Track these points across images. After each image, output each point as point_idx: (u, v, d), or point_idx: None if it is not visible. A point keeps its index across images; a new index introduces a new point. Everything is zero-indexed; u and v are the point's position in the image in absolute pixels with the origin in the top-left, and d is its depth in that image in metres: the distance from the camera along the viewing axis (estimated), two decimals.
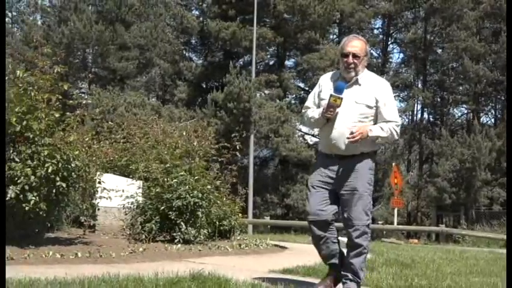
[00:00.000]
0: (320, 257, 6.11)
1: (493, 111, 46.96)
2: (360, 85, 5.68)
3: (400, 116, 34.20)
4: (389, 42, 48.87)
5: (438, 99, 47.03)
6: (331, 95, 5.47)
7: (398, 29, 48.23)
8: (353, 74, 5.66)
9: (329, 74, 6.01)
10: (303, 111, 6.13)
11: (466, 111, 48.40)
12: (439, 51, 45.99)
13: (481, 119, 46.14)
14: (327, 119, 5.60)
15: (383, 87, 5.82)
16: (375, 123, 5.64)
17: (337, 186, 5.67)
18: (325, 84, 5.86)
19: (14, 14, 51.76)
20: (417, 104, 47.94)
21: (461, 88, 45.75)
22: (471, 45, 41.26)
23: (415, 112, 48.81)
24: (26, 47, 37.21)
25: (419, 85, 46.61)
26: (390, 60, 49.41)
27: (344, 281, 5.66)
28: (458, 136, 41.74)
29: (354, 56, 5.60)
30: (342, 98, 5.45)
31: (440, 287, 7.43)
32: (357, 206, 5.61)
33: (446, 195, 40.15)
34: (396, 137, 5.78)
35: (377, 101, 5.63)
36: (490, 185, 39.55)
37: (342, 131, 5.53)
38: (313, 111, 5.82)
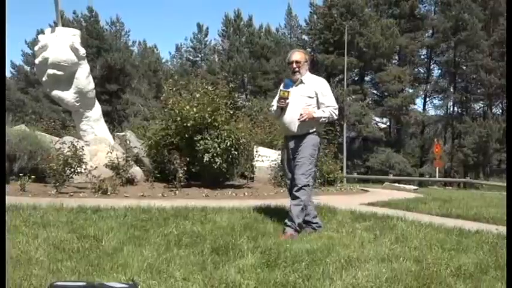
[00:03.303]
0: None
1: (500, 105, 44.29)
2: (304, 83, 5.15)
3: (438, 109, 33.22)
4: (431, 63, 46.92)
5: (464, 98, 44.80)
6: (280, 90, 5.14)
7: (437, 54, 46.11)
8: (298, 76, 5.13)
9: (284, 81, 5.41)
10: (270, 109, 5.62)
11: (482, 105, 46.01)
12: (464, 67, 43.63)
13: (493, 110, 43.88)
14: (281, 109, 5.16)
15: (320, 82, 5.23)
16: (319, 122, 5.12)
17: (293, 157, 5.14)
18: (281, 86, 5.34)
19: (202, 55, 52.92)
20: (450, 101, 45.91)
21: (479, 91, 43.62)
22: (486, 63, 39.33)
23: (448, 107, 46.66)
24: (209, 74, 38.13)
25: (451, 89, 44.55)
26: (432, 74, 47.34)
27: (284, 226, 5.04)
28: (477, 121, 40.19)
29: (297, 62, 5.13)
30: (289, 92, 5.05)
31: (470, 214, 7.17)
32: (299, 170, 5.01)
33: (470, 158, 39.35)
34: (335, 116, 5.18)
35: (316, 93, 5.09)
36: (499, 151, 38.05)
37: (291, 117, 5.07)
38: (273, 108, 5.34)
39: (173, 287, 2.98)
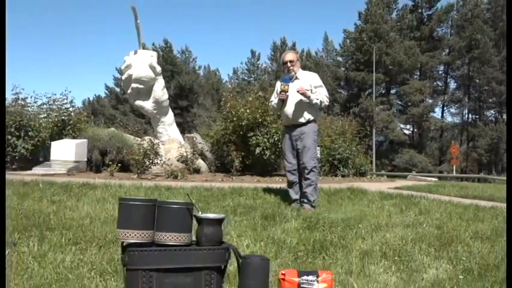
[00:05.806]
0: (290, 195, 5.02)
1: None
2: (299, 79, 4.92)
3: (454, 116, 31.82)
4: (448, 77, 45.14)
5: (478, 106, 42.85)
6: (281, 84, 4.91)
7: (453, 70, 44.31)
8: (293, 73, 4.95)
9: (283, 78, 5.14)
10: (269, 104, 5.47)
11: (493, 112, 43.74)
12: (477, 80, 41.67)
13: (503, 116, 41.68)
14: (282, 102, 4.91)
15: (313, 77, 5.01)
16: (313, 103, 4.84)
17: (296, 144, 4.90)
18: (278, 85, 5.07)
19: (255, 76, 52.89)
20: (465, 109, 43.84)
21: (490, 100, 41.53)
22: (496, 76, 37.43)
23: (464, 114, 44.61)
24: (261, 90, 38.01)
25: (466, 99, 42.67)
26: (449, 87, 45.42)
27: (301, 204, 4.82)
28: (489, 126, 38.44)
29: (291, 61, 4.95)
30: (288, 85, 4.83)
31: (485, 195, 6.82)
32: (306, 155, 4.79)
33: (483, 158, 37.62)
34: (326, 102, 4.90)
35: (311, 86, 4.85)
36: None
37: (292, 108, 4.85)
38: (274, 102, 5.12)
39: (229, 241, 2.93)
